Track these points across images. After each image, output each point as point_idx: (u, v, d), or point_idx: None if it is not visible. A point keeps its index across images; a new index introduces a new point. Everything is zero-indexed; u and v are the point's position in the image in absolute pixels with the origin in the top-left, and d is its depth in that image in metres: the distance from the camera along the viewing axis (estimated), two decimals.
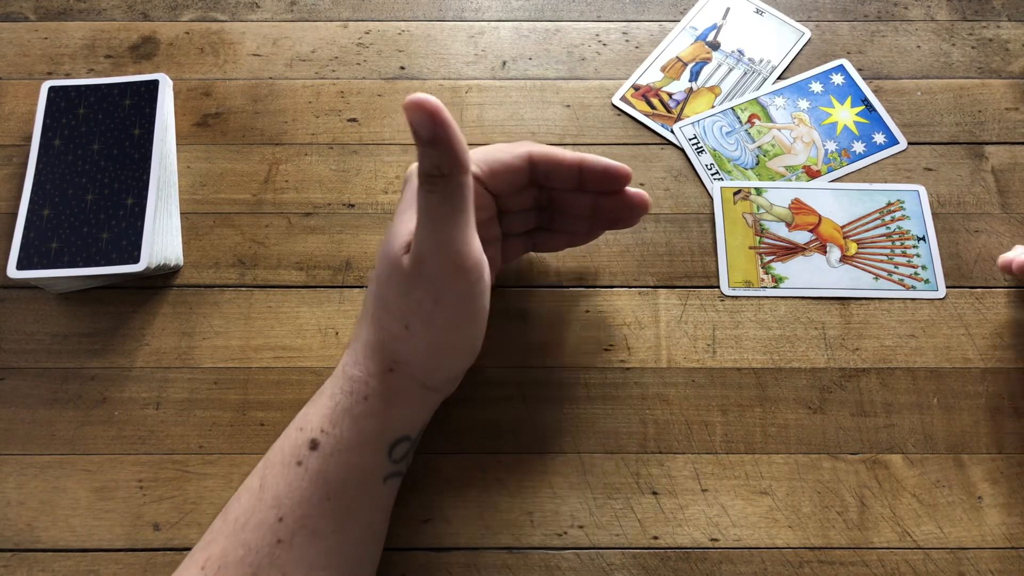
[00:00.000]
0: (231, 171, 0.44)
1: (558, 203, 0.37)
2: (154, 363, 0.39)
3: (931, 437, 0.38)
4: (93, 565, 0.35)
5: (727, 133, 0.45)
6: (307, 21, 0.49)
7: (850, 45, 0.48)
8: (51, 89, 0.44)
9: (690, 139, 0.45)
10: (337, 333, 0.40)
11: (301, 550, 0.29)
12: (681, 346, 0.40)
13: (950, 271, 0.41)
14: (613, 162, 0.35)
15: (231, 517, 0.30)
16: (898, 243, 0.42)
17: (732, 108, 0.46)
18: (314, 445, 0.30)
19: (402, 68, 0.48)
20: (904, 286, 0.41)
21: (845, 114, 0.46)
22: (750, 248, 0.42)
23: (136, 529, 0.36)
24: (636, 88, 0.47)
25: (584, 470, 0.37)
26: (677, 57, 0.48)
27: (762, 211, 0.43)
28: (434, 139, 0.26)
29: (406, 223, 0.31)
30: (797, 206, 0.43)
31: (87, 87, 0.44)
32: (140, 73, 0.46)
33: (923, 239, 0.42)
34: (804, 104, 0.46)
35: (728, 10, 0.50)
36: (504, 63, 0.48)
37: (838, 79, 0.47)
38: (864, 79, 0.47)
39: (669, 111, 0.46)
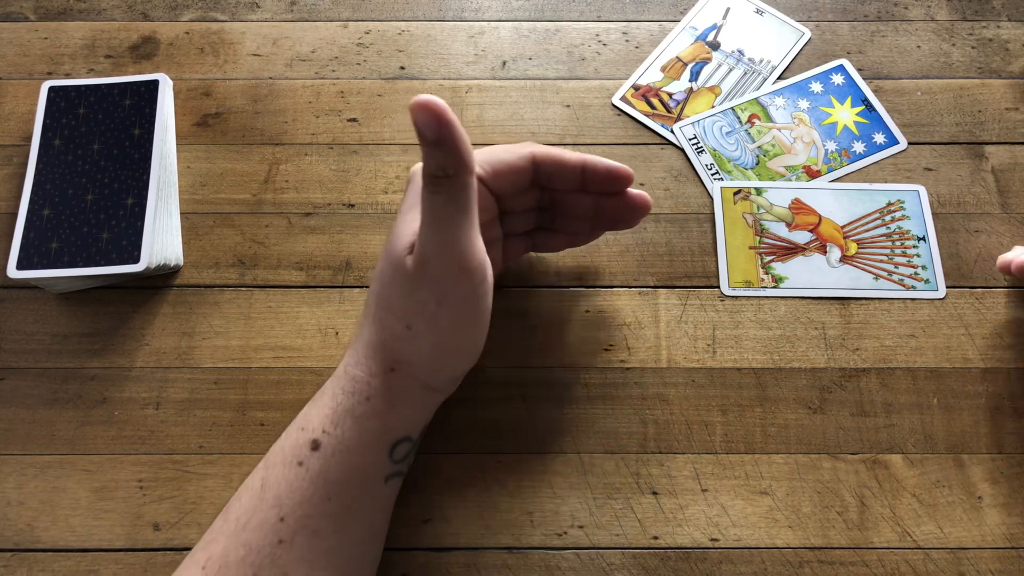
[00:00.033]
0: (231, 171, 0.44)
1: (560, 204, 0.37)
2: (154, 363, 0.39)
3: (931, 437, 0.38)
4: (93, 565, 0.35)
5: (727, 133, 0.45)
6: (307, 21, 0.49)
7: (850, 45, 0.48)
8: (51, 89, 0.44)
9: (690, 139, 0.45)
10: (337, 333, 0.40)
11: (302, 550, 0.29)
12: (681, 346, 0.40)
13: (950, 271, 0.41)
14: (616, 163, 0.35)
15: (232, 517, 0.30)
16: (898, 243, 0.42)
17: (732, 108, 0.46)
18: (315, 445, 0.30)
19: (402, 68, 0.48)
20: (904, 286, 0.41)
21: (845, 114, 0.46)
22: (750, 248, 0.42)
23: (136, 529, 0.36)
24: (636, 88, 0.47)
25: (584, 470, 0.37)
26: (677, 57, 0.48)
27: (762, 211, 0.43)
28: (439, 140, 0.26)
29: (409, 223, 0.31)
30: (797, 206, 0.43)
31: (87, 87, 0.44)
32: (140, 73, 0.46)
33: (923, 239, 0.42)
34: (804, 104, 0.46)
35: (728, 10, 0.50)
36: (504, 63, 0.48)
37: (838, 79, 0.47)
38: (864, 79, 0.47)
39: (669, 111, 0.46)
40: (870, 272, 0.41)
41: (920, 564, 0.35)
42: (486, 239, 0.33)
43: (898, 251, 0.42)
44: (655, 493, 0.37)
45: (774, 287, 0.41)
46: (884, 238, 0.42)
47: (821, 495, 0.36)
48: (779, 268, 0.42)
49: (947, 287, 0.41)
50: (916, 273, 0.41)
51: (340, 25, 0.49)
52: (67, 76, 0.47)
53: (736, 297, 0.41)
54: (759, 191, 0.44)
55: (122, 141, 0.42)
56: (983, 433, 0.38)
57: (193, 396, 0.39)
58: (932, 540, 0.36)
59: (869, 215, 0.43)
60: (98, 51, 0.48)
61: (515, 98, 0.47)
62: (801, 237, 0.42)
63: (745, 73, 0.48)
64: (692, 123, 0.46)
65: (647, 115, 0.46)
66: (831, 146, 0.45)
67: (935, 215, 0.43)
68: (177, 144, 0.45)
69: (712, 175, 0.44)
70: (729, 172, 0.44)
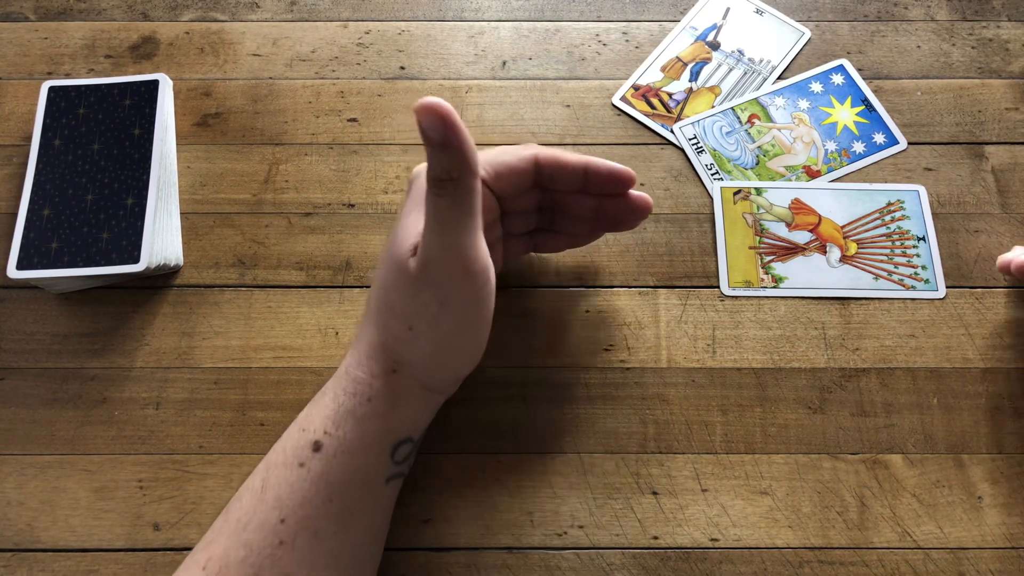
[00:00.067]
0: (231, 171, 0.44)
1: (561, 205, 0.37)
2: (154, 363, 0.39)
3: (931, 437, 0.38)
4: (93, 565, 0.35)
5: (727, 133, 0.45)
6: (307, 21, 0.49)
7: (850, 45, 0.48)
8: (51, 89, 0.44)
9: (690, 139, 0.45)
10: (337, 333, 0.40)
11: (303, 551, 0.29)
12: (681, 346, 0.40)
13: (950, 271, 0.41)
14: (618, 165, 0.35)
15: (232, 517, 0.30)
16: (898, 243, 0.42)
17: (732, 108, 0.46)
18: (317, 447, 0.30)
19: (402, 68, 0.48)
20: (904, 286, 0.41)
21: (845, 114, 0.46)
22: (750, 248, 0.42)
23: (136, 529, 0.36)
24: (636, 88, 0.47)
25: (584, 470, 0.37)
26: (677, 57, 0.48)
27: (762, 211, 0.43)
28: (445, 142, 0.26)
29: (412, 225, 0.31)
30: (797, 206, 0.43)
31: (87, 87, 0.44)
32: (140, 73, 0.46)
33: (923, 239, 0.42)
34: (804, 104, 0.46)
35: (728, 10, 0.50)
36: (504, 63, 0.48)
37: (838, 79, 0.47)
38: (864, 79, 0.47)
39: (669, 111, 0.46)
40: (870, 272, 0.41)
41: (920, 564, 0.35)
42: (487, 240, 0.33)
43: (898, 251, 0.42)
44: (655, 493, 0.37)
45: (774, 287, 0.41)
46: (884, 238, 0.42)
47: (821, 495, 0.36)
48: (779, 268, 0.42)
49: (947, 287, 0.41)
50: (916, 273, 0.41)
51: (340, 25, 0.49)
52: (67, 76, 0.47)
53: (736, 297, 0.41)
54: (759, 191, 0.44)
55: (122, 141, 0.42)
56: (983, 433, 0.38)
57: (193, 396, 0.39)
58: (932, 540, 0.36)
59: (869, 215, 0.43)
60: (98, 51, 0.48)
61: (515, 98, 0.47)
62: (801, 237, 0.42)
63: (745, 73, 0.48)
64: (692, 123, 0.46)
65: (647, 115, 0.46)
66: (831, 146, 0.45)
67: (935, 215, 0.43)
68: (177, 144, 0.45)
69: (712, 175, 0.44)
70: (729, 172, 0.44)
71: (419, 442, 0.34)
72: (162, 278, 0.41)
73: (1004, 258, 0.40)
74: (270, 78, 0.47)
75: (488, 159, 0.33)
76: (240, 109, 0.46)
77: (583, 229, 0.38)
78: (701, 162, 0.45)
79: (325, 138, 0.45)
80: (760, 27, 0.49)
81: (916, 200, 0.43)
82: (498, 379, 0.39)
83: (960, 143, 0.45)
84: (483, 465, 0.37)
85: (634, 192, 0.36)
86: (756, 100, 0.47)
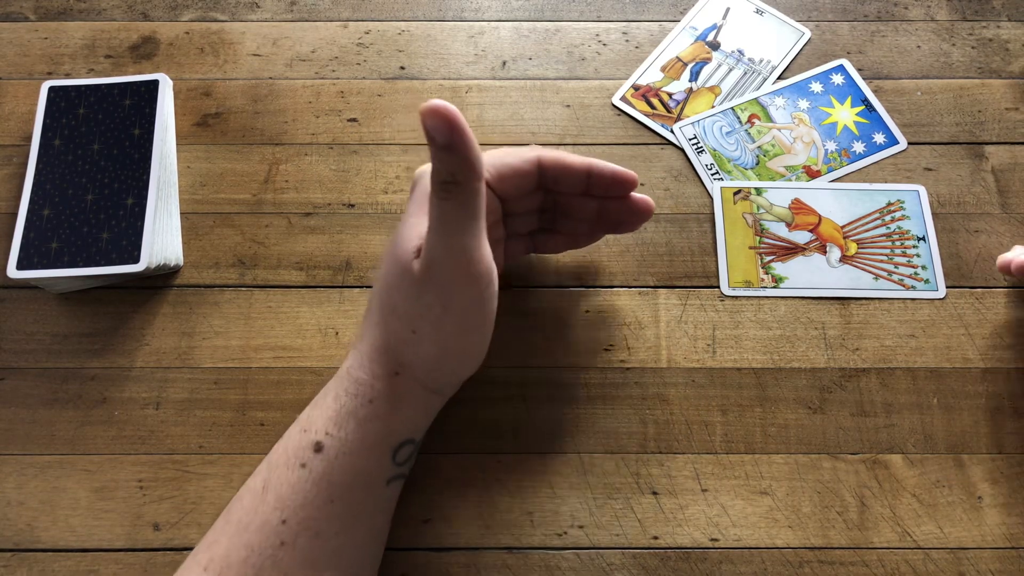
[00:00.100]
0: (231, 171, 0.44)
1: (563, 206, 0.37)
2: (154, 363, 0.39)
3: (931, 437, 0.38)
4: (93, 565, 0.35)
5: (727, 133, 0.45)
6: (307, 21, 0.49)
7: (850, 45, 0.48)
8: (51, 89, 0.44)
9: (690, 139, 0.45)
10: (337, 333, 0.40)
11: (304, 552, 0.29)
12: (681, 346, 0.40)
13: (950, 271, 0.41)
14: (621, 168, 0.35)
15: (234, 518, 0.30)
16: (898, 243, 0.42)
17: (732, 108, 0.46)
18: (319, 448, 0.30)
19: (402, 68, 0.48)
20: (904, 286, 0.41)
21: (845, 114, 0.46)
22: (750, 248, 0.42)
23: (136, 529, 0.36)
24: (636, 88, 0.47)
25: (584, 470, 0.37)
26: (677, 57, 0.48)
27: (762, 211, 0.43)
28: (450, 145, 0.26)
29: (415, 227, 0.31)
30: (797, 206, 0.43)
31: (87, 87, 0.44)
32: (140, 73, 0.46)
33: (923, 239, 0.42)
34: (804, 104, 0.46)
35: (728, 10, 0.50)
36: (504, 63, 0.48)
37: (838, 79, 0.47)
38: (864, 79, 0.47)
39: (669, 111, 0.46)
40: (870, 272, 0.41)
41: (920, 564, 0.35)
42: (489, 241, 0.33)
43: (898, 251, 0.42)
44: (655, 493, 0.37)
45: (774, 287, 0.41)
46: (884, 238, 0.42)
47: (821, 495, 0.36)
48: (779, 268, 0.42)
49: (947, 287, 0.41)
50: (916, 273, 0.41)
51: (340, 25, 0.49)
52: (67, 76, 0.47)
53: (736, 297, 0.41)
54: (759, 191, 0.44)
55: (122, 141, 0.42)
56: (983, 433, 0.38)
57: (193, 396, 0.39)
58: (932, 540, 0.36)
59: (869, 215, 0.43)
60: (98, 51, 0.48)
61: (515, 98, 0.47)
62: (801, 237, 0.42)
63: (745, 73, 0.48)
64: (692, 123, 0.46)
65: (647, 115, 0.46)
66: (831, 146, 0.45)
67: (935, 215, 0.43)
68: (177, 144, 0.45)
69: (712, 175, 0.44)
70: (729, 172, 0.44)
71: (420, 443, 0.34)
72: (162, 278, 0.41)
73: (1004, 258, 0.40)
74: (270, 78, 0.47)
75: (492, 161, 0.33)
76: (240, 109, 0.46)
77: (584, 230, 0.38)
78: (701, 162, 0.45)
79: (325, 138, 0.45)
80: (760, 27, 0.49)
81: (916, 200, 0.43)
82: (498, 379, 0.39)
83: (960, 143, 0.45)
84: (483, 465, 0.37)
85: (636, 194, 0.36)
86: (756, 100, 0.47)
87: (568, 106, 0.46)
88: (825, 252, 0.42)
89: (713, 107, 0.46)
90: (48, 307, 0.41)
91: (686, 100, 0.47)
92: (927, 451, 0.37)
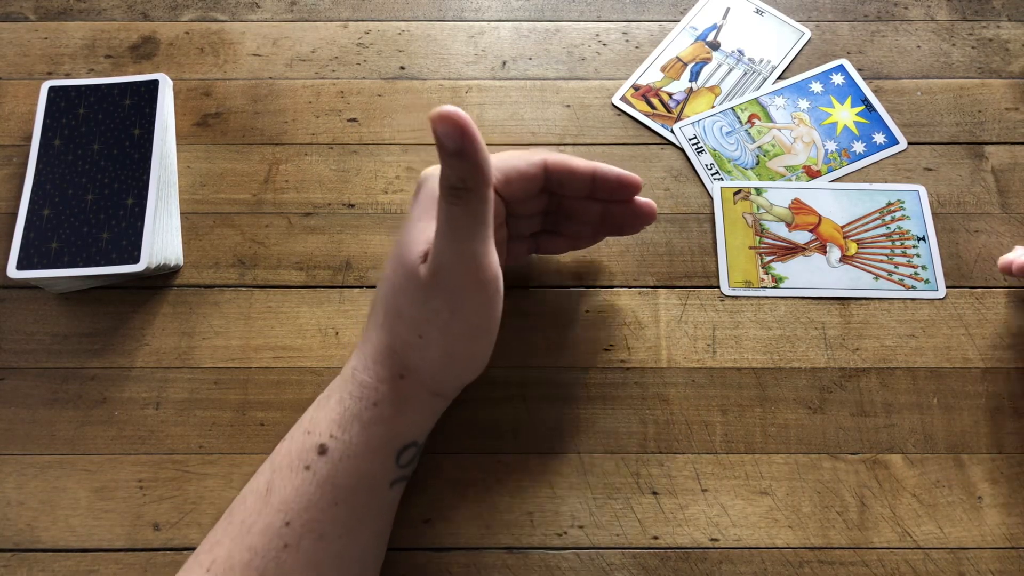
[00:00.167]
0: (231, 171, 0.44)
1: (567, 209, 0.37)
2: (154, 363, 0.39)
3: (931, 437, 0.38)
4: (93, 565, 0.35)
5: (727, 133, 0.45)
6: (307, 21, 0.49)
7: (850, 45, 0.48)
8: (51, 89, 0.44)
9: (690, 139, 0.45)
10: (337, 333, 0.40)
11: (308, 555, 0.29)
12: (681, 346, 0.40)
13: (950, 271, 0.41)
14: (625, 172, 0.35)
15: (237, 519, 0.30)
16: (898, 243, 0.42)
17: (732, 108, 0.46)
18: (323, 450, 0.30)
19: (402, 68, 0.48)
20: (904, 286, 0.41)
21: (845, 114, 0.46)
22: (750, 248, 0.42)
23: (136, 529, 0.36)
24: (636, 88, 0.47)
25: (584, 470, 0.37)
26: (677, 57, 0.48)
27: (762, 211, 0.43)
28: (461, 151, 0.26)
29: (422, 231, 0.31)
30: (797, 206, 0.43)
31: (87, 87, 0.44)
32: (140, 73, 0.46)
33: (923, 239, 0.42)
34: (804, 104, 0.46)
35: (728, 10, 0.50)
36: (504, 63, 0.48)
37: (838, 79, 0.47)
38: (864, 79, 0.47)
39: (669, 111, 0.46)
40: (870, 272, 0.41)
41: (920, 564, 0.35)
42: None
43: (898, 251, 0.42)
44: (655, 493, 0.37)
45: (774, 287, 0.41)
46: (884, 238, 0.42)
47: (821, 495, 0.36)
48: (779, 268, 0.42)
49: (947, 287, 0.41)
50: (916, 273, 0.41)
51: (340, 25, 0.49)
52: (67, 76, 0.47)
53: (736, 297, 0.41)
54: (759, 191, 0.44)
55: (122, 141, 0.42)
56: (983, 433, 0.38)
57: (193, 396, 0.39)
58: (932, 540, 0.36)
59: (869, 215, 0.43)
60: (98, 51, 0.48)
61: (515, 98, 0.47)
62: (801, 237, 0.42)
63: (745, 73, 0.48)
64: (692, 123, 0.46)
65: (647, 115, 0.46)
66: (831, 146, 0.45)
67: (935, 215, 0.43)
68: (177, 144, 0.45)
69: (712, 175, 0.44)
70: (729, 172, 0.44)
71: (423, 446, 0.34)
72: (162, 278, 0.41)
73: (1005, 258, 0.40)
74: (270, 78, 0.47)
75: (498, 164, 0.33)
76: (240, 109, 0.46)
77: (587, 233, 0.38)
78: (701, 162, 0.45)
79: (325, 138, 0.45)
80: (760, 27, 0.49)
81: (916, 200, 0.43)
82: (498, 379, 0.39)
83: (960, 143, 0.45)
84: (483, 465, 0.37)
85: (639, 198, 0.36)
86: (756, 100, 0.47)
87: (568, 106, 0.46)
88: (825, 252, 0.42)
89: (713, 107, 0.46)
90: (48, 307, 0.41)
91: (686, 100, 0.47)
92: (927, 451, 0.37)
